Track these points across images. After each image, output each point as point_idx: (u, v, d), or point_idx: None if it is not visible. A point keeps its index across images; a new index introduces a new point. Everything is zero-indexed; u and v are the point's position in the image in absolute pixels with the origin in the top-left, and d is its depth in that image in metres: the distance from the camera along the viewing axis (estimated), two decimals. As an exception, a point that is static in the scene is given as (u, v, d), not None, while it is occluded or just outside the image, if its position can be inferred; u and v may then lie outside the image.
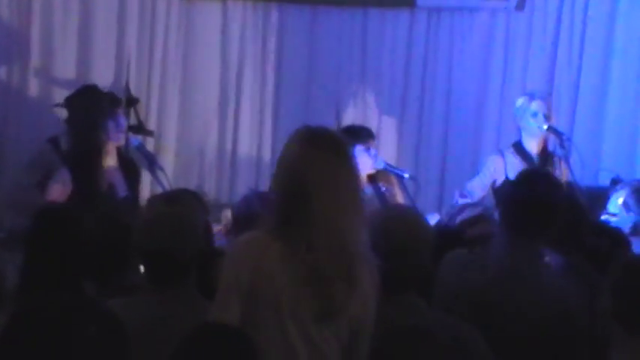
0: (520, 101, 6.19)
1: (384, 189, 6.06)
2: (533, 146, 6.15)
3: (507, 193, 3.73)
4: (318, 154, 2.99)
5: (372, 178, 6.04)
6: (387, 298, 3.12)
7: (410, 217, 3.32)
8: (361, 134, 5.96)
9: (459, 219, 4.71)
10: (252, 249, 2.99)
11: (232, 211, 4.39)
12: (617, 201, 4.83)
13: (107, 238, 3.61)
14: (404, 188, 6.16)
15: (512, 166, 6.06)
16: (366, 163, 5.93)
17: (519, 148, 6.14)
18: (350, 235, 2.98)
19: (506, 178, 6.02)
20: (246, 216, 4.00)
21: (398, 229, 3.22)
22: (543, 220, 3.61)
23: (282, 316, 2.97)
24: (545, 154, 6.17)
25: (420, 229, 3.27)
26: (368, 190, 6.03)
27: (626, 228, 4.54)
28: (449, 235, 4.09)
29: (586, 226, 4.12)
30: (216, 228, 4.99)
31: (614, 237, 4.28)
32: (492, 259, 3.66)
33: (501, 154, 6.18)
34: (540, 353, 3.48)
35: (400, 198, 6.06)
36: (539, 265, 3.65)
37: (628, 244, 4.27)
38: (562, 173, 6.13)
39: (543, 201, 3.62)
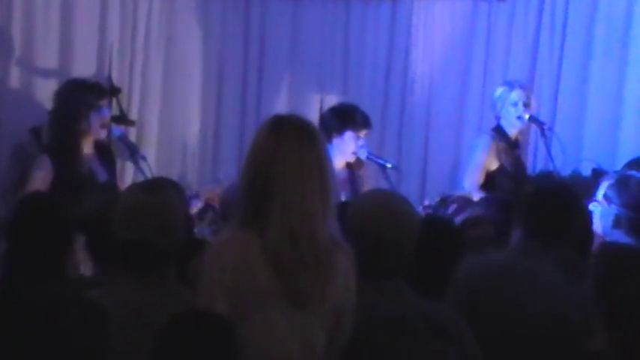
0: (499, 90, 6.22)
1: (360, 174, 6.07)
2: (512, 134, 6.19)
3: (534, 195, 3.78)
4: (284, 141, 2.99)
5: (349, 165, 6.05)
6: (370, 283, 3.12)
7: (395, 201, 3.31)
8: (356, 120, 5.97)
9: (459, 218, 4.71)
10: (233, 250, 2.99)
11: (220, 199, 4.38)
12: (603, 189, 4.84)
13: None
14: (387, 178, 6.17)
15: (503, 150, 6.09)
16: (347, 151, 5.95)
17: (500, 131, 6.15)
18: (319, 222, 2.97)
19: (502, 165, 6.04)
20: (232, 203, 4.00)
21: (383, 213, 3.20)
22: (562, 229, 3.65)
23: (267, 308, 2.98)
24: (516, 141, 6.20)
25: (405, 214, 3.25)
26: (342, 174, 6.03)
27: (609, 221, 4.55)
28: (448, 230, 4.09)
29: (570, 216, 4.14)
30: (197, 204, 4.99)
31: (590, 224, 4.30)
32: (502, 257, 3.70)
33: (492, 138, 6.17)
34: (539, 350, 3.50)
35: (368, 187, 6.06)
36: (551, 267, 3.67)
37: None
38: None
39: (564, 212, 3.66)
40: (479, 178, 6.12)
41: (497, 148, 6.11)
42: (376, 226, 3.18)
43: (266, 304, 2.98)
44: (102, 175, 5.56)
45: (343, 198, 5.62)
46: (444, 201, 5.09)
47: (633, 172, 5.29)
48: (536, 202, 3.74)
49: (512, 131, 6.19)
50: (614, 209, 4.55)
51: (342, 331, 3.03)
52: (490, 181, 6.10)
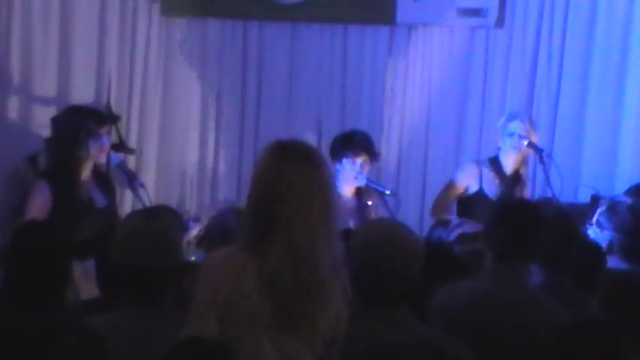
0: (501, 120, 6.28)
1: (369, 203, 6.09)
2: (509, 164, 6.21)
3: (492, 217, 3.75)
4: (287, 166, 3.00)
5: (358, 192, 6.07)
6: (373, 312, 3.12)
7: (399, 231, 3.31)
8: (351, 146, 6.00)
9: (456, 232, 4.72)
10: (229, 267, 3.00)
11: (206, 225, 4.39)
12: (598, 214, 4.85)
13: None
14: (385, 204, 6.18)
15: (487, 179, 6.13)
16: (349, 177, 5.98)
17: (495, 163, 6.20)
18: (322, 249, 2.98)
19: (480, 189, 6.08)
20: (219, 230, 4.01)
21: (387, 242, 3.20)
22: (527, 244, 3.63)
23: (257, 330, 2.98)
24: (517, 175, 6.23)
25: (408, 243, 3.25)
26: (352, 202, 6.05)
27: (604, 246, 4.55)
28: (438, 250, 4.09)
29: (575, 244, 4.13)
30: (196, 227, 5.00)
31: (596, 252, 4.29)
32: (478, 281, 3.68)
33: (477, 163, 6.24)
34: None
35: (382, 214, 6.08)
36: (524, 286, 3.65)
37: (605, 259, 4.29)
38: (527, 194, 6.22)
39: (527, 226, 3.65)
40: (446, 195, 6.17)
41: (478, 173, 6.14)
42: (380, 255, 3.18)
43: (256, 327, 2.98)
44: (100, 202, 5.55)
45: (352, 225, 5.63)
46: (444, 222, 5.10)
47: (622, 198, 5.30)
48: (495, 223, 3.72)
49: (509, 163, 6.20)
50: (607, 235, 4.56)
51: (329, 357, 3.03)
52: (465, 205, 6.13)
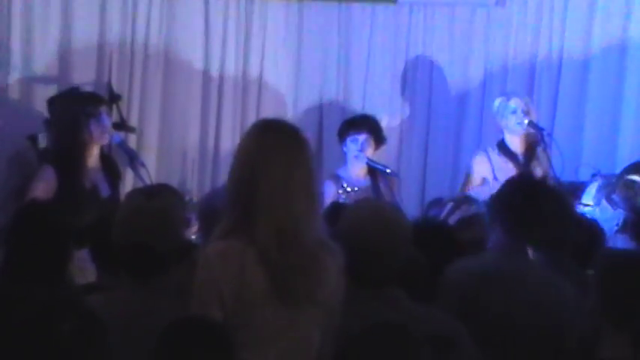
0: (498, 101, 6.26)
1: (382, 184, 6.10)
2: (516, 144, 6.20)
3: (502, 199, 3.76)
4: (267, 143, 3.03)
5: (371, 172, 6.09)
6: (366, 292, 3.13)
7: (386, 211, 3.32)
8: (352, 124, 6.02)
9: (452, 219, 4.72)
10: (230, 261, 3.00)
11: (198, 205, 4.38)
12: (592, 191, 4.85)
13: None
14: (386, 183, 6.20)
15: (498, 165, 6.12)
16: (351, 156, 6.01)
17: (503, 146, 6.18)
18: (306, 224, 2.99)
19: (495, 178, 6.07)
20: (211, 211, 4.01)
21: (374, 223, 3.22)
22: (540, 227, 3.64)
23: (265, 310, 3.00)
24: (529, 151, 6.21)
25: (396, 223, 3.27)
26: (365, 183, 6.08)
27: (613, 225, 4.55)
28: (440, 233, 4.09)
29: (572, 221, 4.14)
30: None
31: (593, 231, 4.29)
32: (488, 260, 3.69)
33: (485, 152, 6.22)
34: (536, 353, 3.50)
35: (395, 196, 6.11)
36: (533, 263, 3.66)
37: (604, 237, 4.28)
38: (546, 168, 6.19)
39: (541, 209, 3.66)
40: (465, 189, 6.17)
41: (488, 162, 6.14)
42: (368, 235, 3.20)
43: (264, 307, 3.00)
44: (105, 190, 5.55)
45: None
46: (439, 202, 5.11)
47: (636, 177, 5.30)
48: (513, 200, 3.72)
49: (516, 142, 6.19)
50: (620, 213, 4.55)
51: (329, 329, 3.05)
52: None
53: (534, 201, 3.65)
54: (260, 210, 2.98)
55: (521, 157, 6.18)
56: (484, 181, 6.16)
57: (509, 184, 3.89)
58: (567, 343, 3.53)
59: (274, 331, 3.02)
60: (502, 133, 6.28)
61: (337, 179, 6.06)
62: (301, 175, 3.02)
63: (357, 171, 6.08)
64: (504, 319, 3.52)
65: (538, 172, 6.17)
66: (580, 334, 3.53)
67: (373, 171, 6.10)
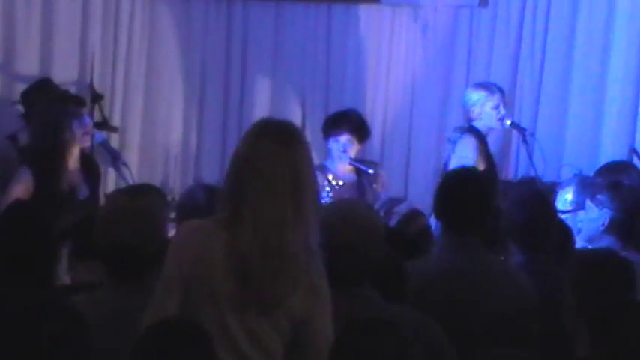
0: (477, 94, 6.17)
1: (366, 181, 6.11)
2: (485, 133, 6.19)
3: (440, 191, 3.77)
4: (261, 144, 2.99)
5: (358, 171, 6.09)
6: (339, 291, 3.13)
7: (359, 210, 3.33)
8: (335, 124, 6.01)
9: (394, 219, 4.74)
10: (196, 236, 3.00)
11: (177, 202, 4.36)
12: (566, 197, 4.87)
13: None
14: (369, 183, 6.21)
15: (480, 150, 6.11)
16: (335, 155, 6.01)
17: (477, 131, 6.13)
18: (288, 232, 2.95)
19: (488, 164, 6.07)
20: (188, 207, 4.00)
21: (345, 222, 3.22)
22: (476, 215, 3.64)
23: (221, 306, 2.97)
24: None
25: (369, 222, 3.27)
26: (350, 179, 6.07)
27: (599, 225, 4.57)
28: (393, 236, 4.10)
29: (552, 222, 4.16)
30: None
31: (564, 231, 4.31)
32: (434, 258, 3.71)
33: (475, 136, 6.14)
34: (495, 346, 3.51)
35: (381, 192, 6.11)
36: (482, 260, 3.68)
37: (573, 238, 4.31)
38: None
39: (474, 197, 3.66)
40: None
41: (480, 150, 6.12)
42: (339, 235, 3.19)
43: (220, 304, 2.97)
44: (84, 192, 5.51)
45: None
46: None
47: (622, 178, 5.32)
48: (443, 193, 3.74)
49: (485, 133, 6.20)
50: (606, 214, 4.56)
51: (305, 338, 3.01)
52: None
53: (465, 190, 3.67)
54: (245, 214, 2.96)
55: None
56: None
57: (447, 176, 3.93)
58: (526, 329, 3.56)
59: (228, 331, 2.97)
60: (464, 121, 6.27)
61: (324, 170, 6.06)
62: (291, 182, 2.97)
63: (342, 169, 6.08)
64: (460, 317, 3.53)
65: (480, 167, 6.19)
66: (557, 335, 3.56)
67: (358, 170, 6.11)
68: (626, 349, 2.96)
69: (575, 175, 6.24)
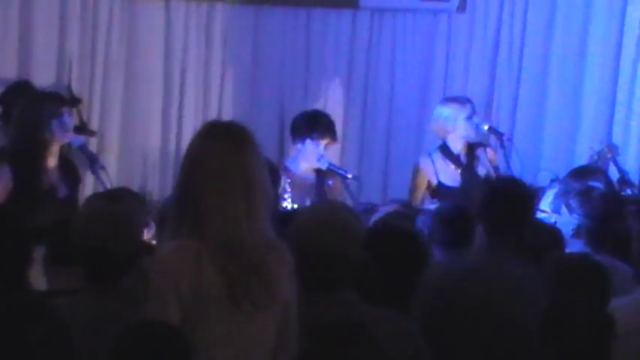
0: (448, 110, 6.24)
1: (330, 182, 6.11)
2: (459, 147, 6.24)
3: (488, 193, 3.85)
4: (209, 144, 3.03)
5: (318, 172, 6.08)
6: (318, 296, 3.14)
7: (338, 213, 3.33)
8: (317, 129, 6.01)
9: (374, 218, 4.74)
10: (186, 258, 2.99)
11: (158, 209, 4.34)
12: (549, 198, 4.91)
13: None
14: (347, 188, 6.21)
15: (442, 169, 6.18)
16: (310, 158, 6.00)
17: (446, 150, 6.23)
18: (245, 226, 2.98)
19: (439, 182, 6.13)
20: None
21: (324, 226, 3.22)
22: (521, 218, 3.72)
23: (221, 313, 3.00)
24: (470, 152, 6.27)
25: (348, 224, 3.28)
26: (310, 180, 6.07)
27: (569, 230, 4.61)
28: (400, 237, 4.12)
29: (530, 222, 4.20)
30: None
31: (553, 235, 4.34)
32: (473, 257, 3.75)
33: (429, 156, 6.27)
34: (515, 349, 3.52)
35: (341, 195, 6.12)
36: (513, 262, 3.70)
37: (564, 243, 4.34)
38: (489, 160, 6.24)
39: (522, 201, 3.76)
40: (416, 183, 6.21)
41: (432, 165, 6.19)
42: (317, 238, 3.20)
43: (219, 309, 3.00)
44: (63, 191, 5.51)
45: (308, 203, 5.66)
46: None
47: (595, 184, 5.37)
48: (493, 198, 3.81)
49: (459, 145, 6.25)
50: (575, 219, 4.61)
51: (287, 328, 3.06)
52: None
53: (513, 200, 3.76)
54: (203, 218, 2.99)
55: (463, 159, 6.25)
56: (429, 182, 6.21)
57: (493, 185, 4.01)
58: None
59: (228, 334, 3.02)
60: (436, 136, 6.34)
61: (286, 171, 6.06)
62: (240, 178, 2.99)
63: (306, 167, 6.07)
64: (484, 319, 3.54)
65: (481, 171, 6.23)
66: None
67: (320, 171, 6.10)
68: (572, 350, 3.00)
69: (551, 180, 6.28)
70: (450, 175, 6.20)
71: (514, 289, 3.55)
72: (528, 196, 3.95)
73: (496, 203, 3.83)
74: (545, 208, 4.70)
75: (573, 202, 4.65)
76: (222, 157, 3.00)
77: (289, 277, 3.08)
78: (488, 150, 6.35)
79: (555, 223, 4.64)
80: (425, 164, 6.26)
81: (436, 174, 6.20)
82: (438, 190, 6.18)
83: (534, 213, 3.88)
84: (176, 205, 3.06)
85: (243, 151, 3.03)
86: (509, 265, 3.62)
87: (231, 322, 3.01)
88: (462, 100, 6.33)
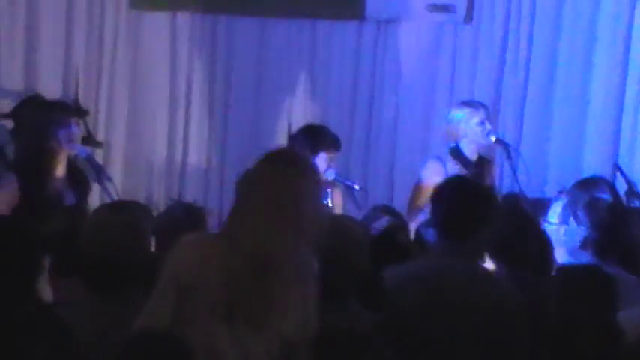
0: (461, 113, 6.21)
1: (329, 189, 6.10)
2: (472, 152, 6.21)
3: (437, 196, 3.77)
4: (266, 167, 3.09)
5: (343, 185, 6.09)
6: (325, 304, 3.14)
7: (344, 223, 3.34)
8: (328, 142, 6.01)
9: (376, 226, 4.74)
10: (194, 248, 3.06)
11: (156, 220, 4.33)
12: (557, 210, 4.90)
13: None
14: (354, 199, 6.20)
15: (453, 172, 6.12)
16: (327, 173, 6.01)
17: (458, 153, 6.18)
18: (282, 253, 3.00)
19: None
20: (168, 225, 3.99)
21: (330, 237, 3.23)
22: (473, 221, 3.64)
23: (214, 318, 3.00)
24: (481, 160, 6.25)
25: (352, 235, 3.29)
26: None
27: (576, 241, 4.60)
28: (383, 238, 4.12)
29: (531, 236, 4.17)
30: None
31: (542, 243, 4.34)
32: (427, 262, 3.71)
33: (440, 160, 6.22)
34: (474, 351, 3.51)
35: (339, 204, 6.10)
36: (473, 266, 3.67)
37: (551, 249, 4.33)
38: (493, 178, 6.24)
39: (471, 202, 3.65)
40: (417, 198, 6.14)
41: (443, 169, 6.14)
42: (326, 247, 3.20)
43: (213, 317, 3.01)
44: (70, 199, 5.51)
45: None
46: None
47: (603, 195, 5.36)
48: (439, 199, 3.74)
49: (473, 151, 6.22)
50: (582, 230, 4.59)
51: (292, 356, 3.05)
52: None
53: (466, 201, 3.65)
54: (245, 232, 3.03)
55: (474, 163, 6.23)
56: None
57: (443, 186, 3.92)
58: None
59: (217, 344, 3.01)
60: (447, 140, 6.30)
61: None
62: (290, 205, 3.03)
63: None
64: (440, 318, 3.53)
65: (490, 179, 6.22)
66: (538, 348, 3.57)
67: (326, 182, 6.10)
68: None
69: (559, 191, 6.27)
70: None
71: (457, 291, 3.54)
72: (482, 197, 3.72)
73: (444, 204, 3.67)
74: (554, 220, 4.68)
75: (580, 214, 4.64)
76: (270, 177, 3.06)
77: (310, 310, 3.06)
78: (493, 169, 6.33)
79: (565, 234, 4.64)
80: (435, 170, 6.13)
81: (446, 176, 6.14)
82: None
83: (492, 215, 3.71)
84: (228, 218, 3.13)
85: (292, 174, 3.08)
86: (454, 268, 3.59)
87: (220, 333, 3.01)
88: (475, 105, 6.30)
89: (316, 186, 3.13)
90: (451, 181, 4.02)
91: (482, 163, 6.26)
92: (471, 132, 6.17)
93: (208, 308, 3.00)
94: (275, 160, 3.13)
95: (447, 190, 3.74)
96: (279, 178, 3.06)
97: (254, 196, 3.06)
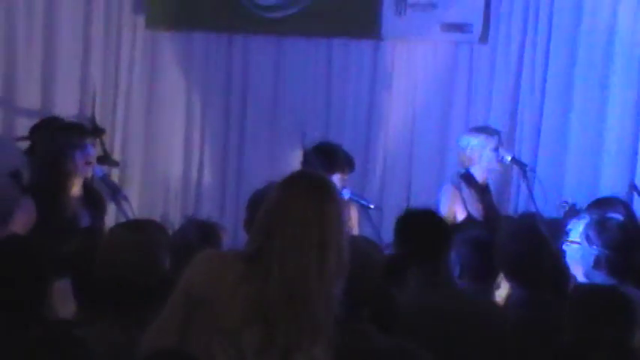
0: (476, 140, 6.22)
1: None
2: (481, 176, 6.22)
3: (402, 223, 3.84)
4: (290, 195, 3.03)
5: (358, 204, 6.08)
6: (337, 325, 3.12)
7: (358, 244, 3.33)
8: (343, 162, 6.00)
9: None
10: (211, 263, 3.02)
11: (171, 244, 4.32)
12: (579, 229, 4.87)
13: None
14: (369, 218, 6.19)
15: (469, 199, 6.13)
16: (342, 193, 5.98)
17: (470, 179, 6.19)
18: (312, 283, 2.96)
19: (469, 214, 6.08)
20: (182, 243, 3.98)
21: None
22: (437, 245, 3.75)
23: (222, 340, 2.97)
24: (487, 185, 6.27)
25: (367, 256, 3.28)
26: None
27: (590, 261, 4.57)
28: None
29: (547, 255, 4.15)
30: None
31: (559, 263, 4.32)
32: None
33: (455, 185, 6.22)
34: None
35: (354, 223, 6.09)
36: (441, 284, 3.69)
37: (567, 270, 4.32)
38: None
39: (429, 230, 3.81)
40: None
41: (461, 197, 6.14)
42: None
43: (220, 334, 2.97)
44: (85, 220, 5.51)
45: None
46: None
47: (612, 214, 5.33)
48: (401, 228, 3.80)
49: (483, 176, 6.23)
50: (594, 250, 4.57)
51: None
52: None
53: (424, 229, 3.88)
54: (273, 262, 2.98)
55: (483, 189, 6.23)
56: (454, 215, 6.15)
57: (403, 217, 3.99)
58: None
59: None
60: (459, 166, 6.30)
61: None
62: (317, 234, 2.99)
63: None
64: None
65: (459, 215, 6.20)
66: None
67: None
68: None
69: (567, 206, 6.24)
70: (474, 206, 6.15)
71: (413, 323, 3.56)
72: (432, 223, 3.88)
73: (408, 234, 3.81)
74: (576, 239, 4.65)
75: (591, 233, 4.62)
76: (303, 206, 3.01)
77: (328, 344, 3.03)
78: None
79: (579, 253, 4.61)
80: (453, 195, 6.14)
81: (464, 203, 6.14)
82: (467, 223, 6.12)
83: (444, 246, 3.83)
84: (251, 240, 3.06)
85: (324, 203, 3.04)
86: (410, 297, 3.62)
87: (226, 353, 2.96)
88: (490, 132, 6.31)
89: (343, 209, 3.11)
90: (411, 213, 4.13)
91: (486, 187, 6.27)
92: (485, 158, 6.18)
93: (216, 328, 2.96)
94: (302, 183, 3.07)
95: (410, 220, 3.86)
96: (309, 202, 3.01)
97: (282, 220, 2.99)
